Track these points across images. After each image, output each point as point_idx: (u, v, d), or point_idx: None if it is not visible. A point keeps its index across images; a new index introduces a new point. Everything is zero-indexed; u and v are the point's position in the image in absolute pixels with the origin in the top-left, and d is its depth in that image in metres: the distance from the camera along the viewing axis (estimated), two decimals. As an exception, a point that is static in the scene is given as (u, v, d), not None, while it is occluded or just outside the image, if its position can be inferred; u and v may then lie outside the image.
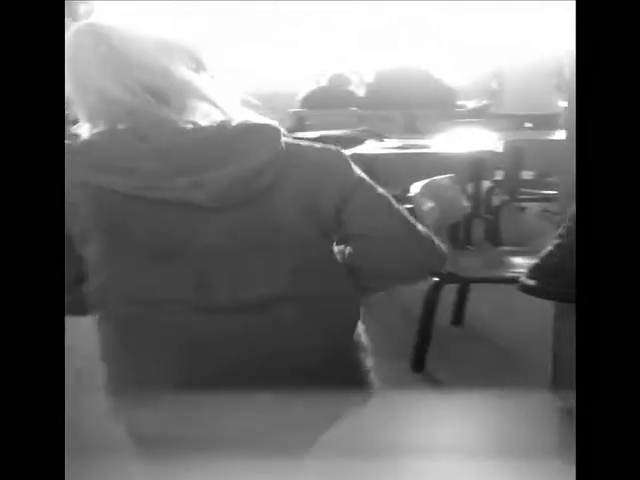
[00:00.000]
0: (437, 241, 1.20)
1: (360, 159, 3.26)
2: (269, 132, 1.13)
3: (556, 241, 1.46)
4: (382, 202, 1.17)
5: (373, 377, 1.23)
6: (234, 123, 1.10)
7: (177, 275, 1.09)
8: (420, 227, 1.18)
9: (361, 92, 5.29)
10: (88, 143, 1.09)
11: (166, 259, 1.09)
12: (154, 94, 1.07)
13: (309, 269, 1.14)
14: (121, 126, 1.07)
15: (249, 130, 1.12)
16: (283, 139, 1.13)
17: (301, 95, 5.50)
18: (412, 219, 1.19)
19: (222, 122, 1.10)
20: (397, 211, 1.18)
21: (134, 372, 1.12)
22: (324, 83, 5.61)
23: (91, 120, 1.11)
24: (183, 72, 1.09)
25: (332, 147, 1.19)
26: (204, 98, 1.10)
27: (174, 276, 1.10)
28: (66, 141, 1.04)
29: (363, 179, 1.17)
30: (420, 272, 1.28)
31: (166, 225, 1.09)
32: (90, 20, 1.13)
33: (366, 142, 3.79)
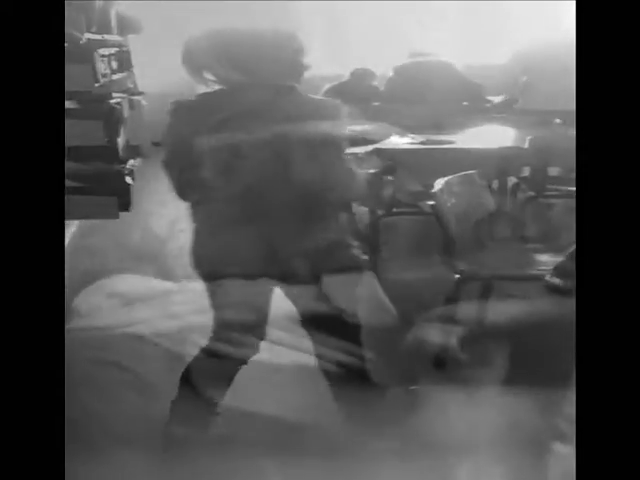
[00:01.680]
0: None
1: (383, 154, 3.24)
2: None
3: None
4: None
5: None
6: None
7: None
8: None
9: (382, 87, 5.24)
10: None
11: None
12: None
13: None
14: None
15: None
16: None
17: (323, 90, 5.46)
18: None
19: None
20: None
21: None
22: (346, 77, 5.57)
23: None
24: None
25: None
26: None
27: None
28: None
29: None
30: None
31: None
32: None
33: (390, 137, 3.76)
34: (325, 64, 6.65)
